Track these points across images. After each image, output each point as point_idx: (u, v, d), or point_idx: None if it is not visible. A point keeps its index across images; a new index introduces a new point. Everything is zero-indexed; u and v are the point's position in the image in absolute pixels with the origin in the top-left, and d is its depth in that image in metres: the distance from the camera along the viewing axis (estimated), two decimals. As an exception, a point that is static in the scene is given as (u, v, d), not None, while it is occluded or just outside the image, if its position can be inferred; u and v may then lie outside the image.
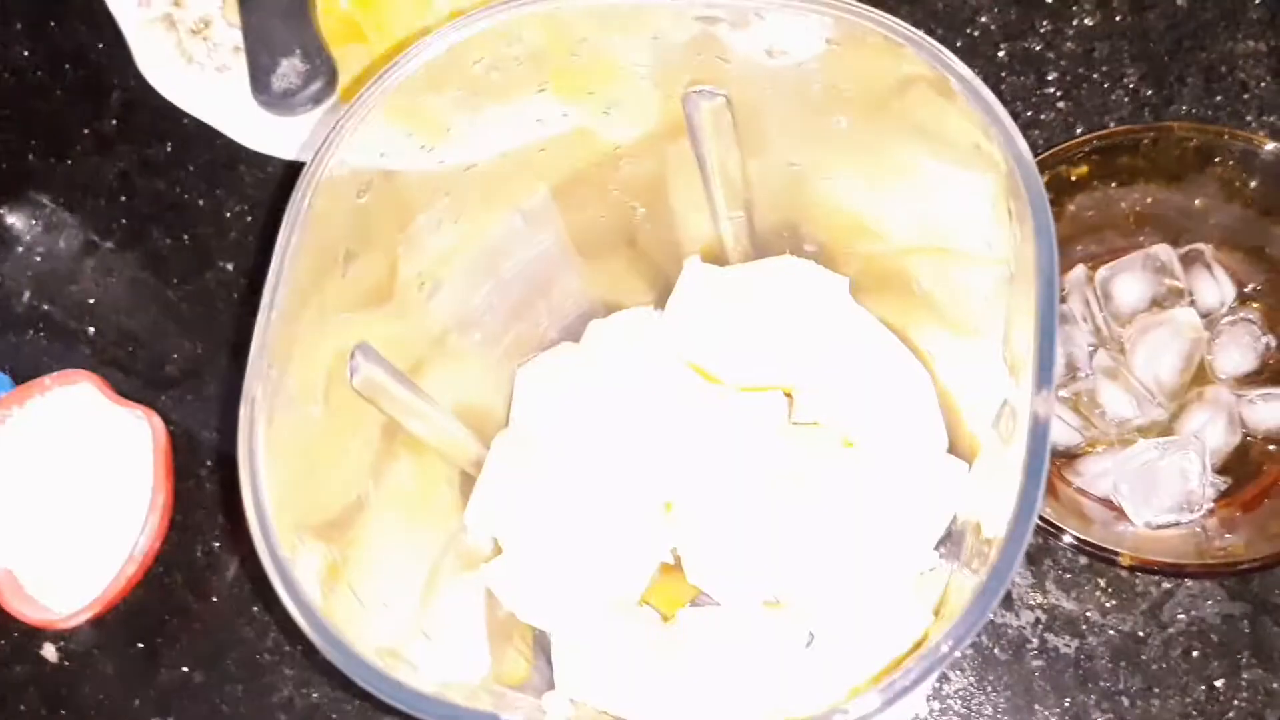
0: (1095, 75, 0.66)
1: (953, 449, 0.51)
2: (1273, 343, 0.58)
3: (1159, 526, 0.55)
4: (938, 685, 0.57)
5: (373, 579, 0.42)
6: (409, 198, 0.46)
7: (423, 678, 0.38)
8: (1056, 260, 0.36)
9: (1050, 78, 0.67)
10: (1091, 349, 0.59)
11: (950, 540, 0.49)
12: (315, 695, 0.61)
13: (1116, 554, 0.52)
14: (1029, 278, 0.37)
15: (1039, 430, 0.35)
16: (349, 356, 0.44)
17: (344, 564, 0.41)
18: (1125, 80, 0.66)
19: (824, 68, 0.43)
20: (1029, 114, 0.66)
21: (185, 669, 0.62)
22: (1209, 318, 0.59)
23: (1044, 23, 0.68)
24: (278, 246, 0.40)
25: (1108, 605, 0.57)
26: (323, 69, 0.64)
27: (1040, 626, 0.57)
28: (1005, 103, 0.39)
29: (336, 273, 0.43)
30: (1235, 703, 0.55)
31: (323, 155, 0.41)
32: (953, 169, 0.42)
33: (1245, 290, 0.59)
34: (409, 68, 0.42)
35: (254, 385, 0.39)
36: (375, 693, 0.36)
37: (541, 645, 0.52)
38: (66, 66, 0.75)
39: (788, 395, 0.54)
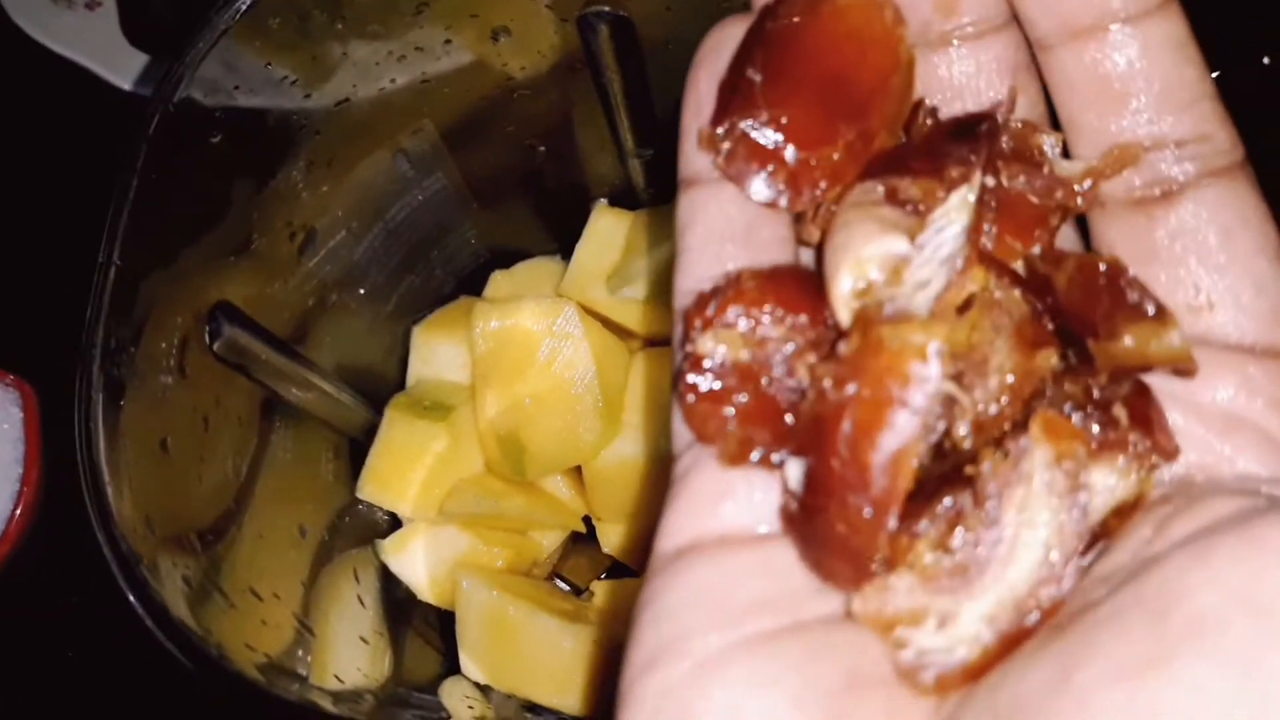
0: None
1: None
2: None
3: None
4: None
5: (248, 571, 0.38)
6: (271, 138, 0.41)
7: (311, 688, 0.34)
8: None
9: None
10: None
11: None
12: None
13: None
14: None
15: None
16: (207, 318, 0.39)
17: (214, 560, 0.37)
18: None
19: (738, -21, 0.38)
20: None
21: (69, 653, 0.58)
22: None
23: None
24: (114, 198, 0.36)
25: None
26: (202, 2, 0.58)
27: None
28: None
29: (186, 226, 0.38)
30: None
31: (163, 94, 0.36)
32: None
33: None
34: (255, -9, 0.37)
35: (91, 360, 0.34)
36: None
37: (448, 628, 0.48)
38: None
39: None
